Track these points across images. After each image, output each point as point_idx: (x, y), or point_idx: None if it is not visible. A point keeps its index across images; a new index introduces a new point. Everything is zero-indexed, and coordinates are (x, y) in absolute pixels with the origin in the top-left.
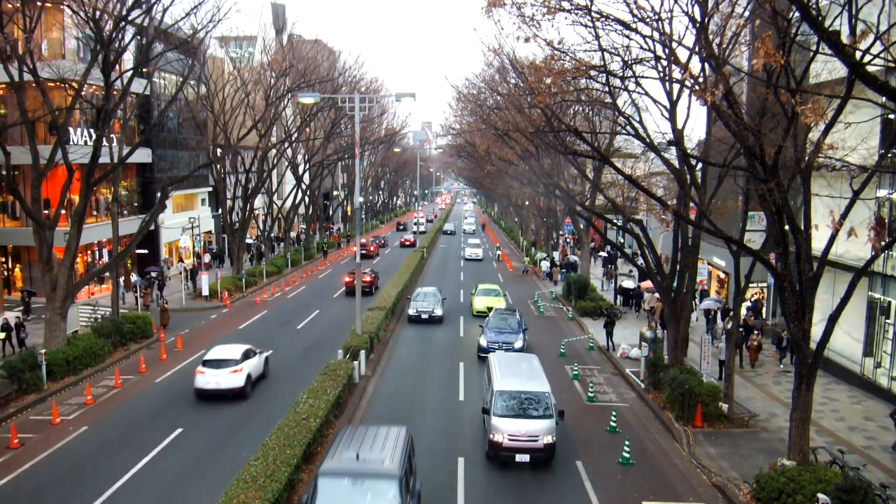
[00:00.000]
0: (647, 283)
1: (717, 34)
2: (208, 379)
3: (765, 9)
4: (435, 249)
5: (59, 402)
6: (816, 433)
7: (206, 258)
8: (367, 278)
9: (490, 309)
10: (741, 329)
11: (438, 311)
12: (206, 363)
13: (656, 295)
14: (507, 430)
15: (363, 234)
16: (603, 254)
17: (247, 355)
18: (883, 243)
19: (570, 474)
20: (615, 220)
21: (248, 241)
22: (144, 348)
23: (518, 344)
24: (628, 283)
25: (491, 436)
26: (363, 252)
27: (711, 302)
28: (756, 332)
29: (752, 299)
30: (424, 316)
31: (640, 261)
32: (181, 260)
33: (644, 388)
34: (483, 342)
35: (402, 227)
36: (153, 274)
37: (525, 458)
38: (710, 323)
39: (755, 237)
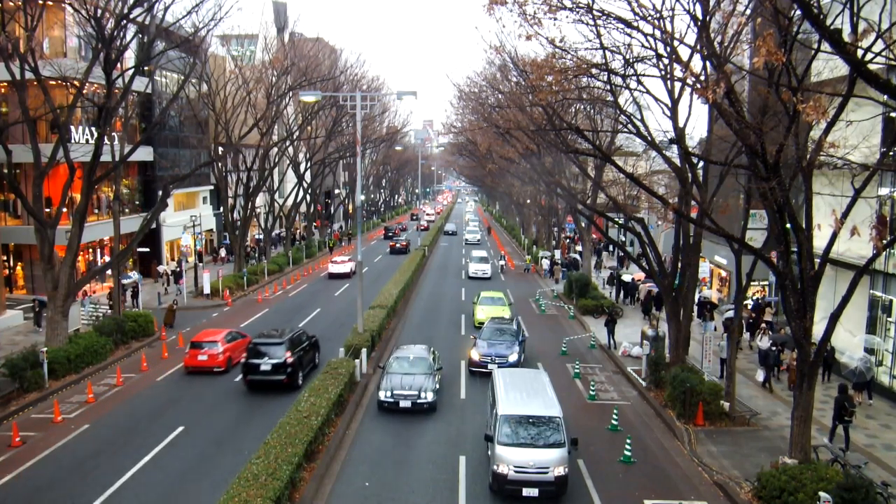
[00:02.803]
0: (641, 275)
1: (719, 32)
2: (333, 269)
3: (766, 7)
4: (436, 248)
5: (60, 401)
6: (818, 431)
7: (222, 252)
8: (404, 242)
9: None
10: (775, 348)
11: (429, 395)
12: (333, 262)
13: (646, 285)
14: (512, 460)
15: (389, 221)
16: (578, 249)
17: (351, 259)
18: (884, 242)
19: (571, 472)
20: (617, 219)
21: (258, 237)
22: (146, 346)
23: (513, 357)
24: (626, 277)
25: (495, 467)
26: (390, 234)
27: (733, 313)
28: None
29: (754, 298)
30: (405, 403)
31: (644, 262)
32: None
33: (645, 386)
34: (475, 355)
35: (415, 218)
36: (125, 281)
37: (533, 492)
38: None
39: (757, 235)
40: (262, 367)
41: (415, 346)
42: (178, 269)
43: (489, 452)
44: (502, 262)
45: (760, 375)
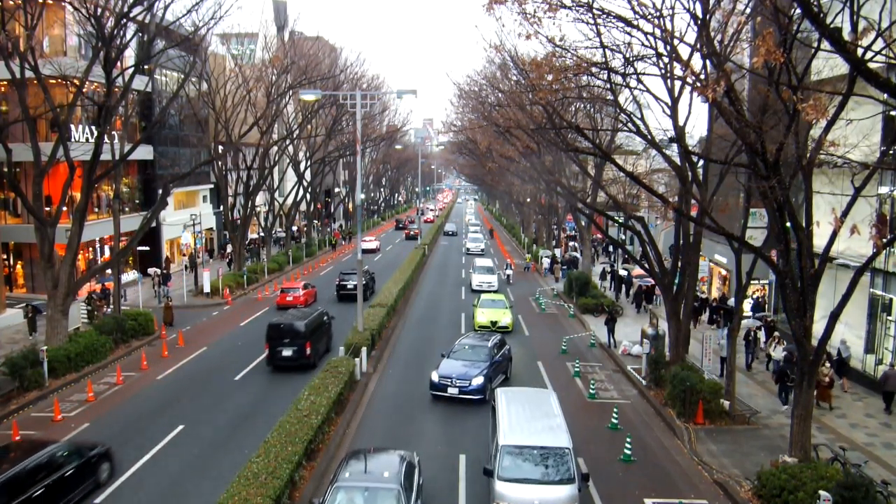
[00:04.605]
0: (637, 271)
1: (719, 31)
2: (364, 246)
3: (766, 6)
4: (437, 247)
5: (60, 399)
6: (818, 430)
7: (228, 248)
8: (416, 230)
9: (494, 323)
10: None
11: None
12: (363, 241)
13: (639, 282)
14: (514, 498)
15: (400, 214)
16: (574, 244)
17: (377, 239)
18: (884, 240)
19: None
20: (617, 217)
21: (263, 235)
22: (146, 345)
23: (477, 381)
24: (622, 272)
25: None
26: (401, 226)
27: (750, 321)
28: (828, 364)
29: (754, 297)
30: None
31: (645, 263)
32: (185, 255)
33: (645, 385)
34: (434, 376)
35: (421, 213)
36: (105, 284)
37: None
38: (751, 346)
39: (757, 234)
40: (348, 286)
41: (381, 453)
42: (167, 272)
43: (489, 488)
44: (510, 272)
45: None
